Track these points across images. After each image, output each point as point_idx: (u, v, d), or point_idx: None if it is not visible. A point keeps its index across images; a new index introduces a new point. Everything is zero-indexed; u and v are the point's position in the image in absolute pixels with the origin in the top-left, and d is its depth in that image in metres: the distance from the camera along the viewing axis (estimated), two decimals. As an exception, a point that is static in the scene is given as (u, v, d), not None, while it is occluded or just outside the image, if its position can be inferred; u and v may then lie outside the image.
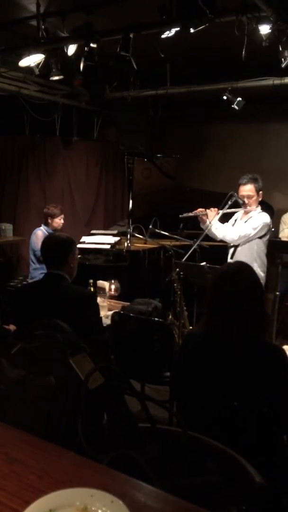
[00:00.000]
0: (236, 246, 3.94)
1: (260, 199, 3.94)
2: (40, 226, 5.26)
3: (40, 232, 5.15)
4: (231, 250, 3.98)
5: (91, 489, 0.75)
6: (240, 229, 3.86)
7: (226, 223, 4.05)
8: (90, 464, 0.86)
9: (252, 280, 1.84)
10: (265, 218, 3.86)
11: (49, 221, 5.17)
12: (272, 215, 4.09)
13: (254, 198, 3.88)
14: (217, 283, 1.83)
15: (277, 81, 4.91)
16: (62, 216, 5.25)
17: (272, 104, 5.97)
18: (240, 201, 3.87)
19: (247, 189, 3.87)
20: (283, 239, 5.26)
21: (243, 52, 3.60)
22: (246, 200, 3.87)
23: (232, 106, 5.02)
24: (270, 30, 3.51)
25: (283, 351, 1.82)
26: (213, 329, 1.81)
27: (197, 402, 1.77)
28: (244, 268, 1.90)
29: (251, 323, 1.74)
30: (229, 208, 3.86)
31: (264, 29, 3.52)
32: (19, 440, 0.92)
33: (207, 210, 3.97)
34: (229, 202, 3.82)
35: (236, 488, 1.02)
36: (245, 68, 4.46)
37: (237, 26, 3.42)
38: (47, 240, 2.72)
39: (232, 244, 3.98)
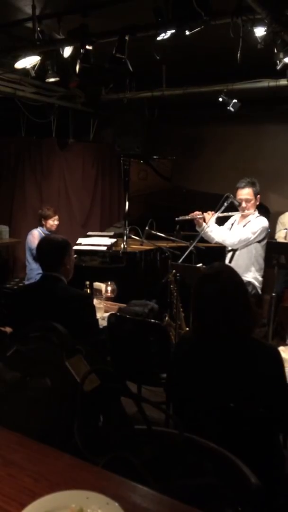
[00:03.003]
0: (234, 250, 3.91)
1: (258, 203, 3.91)
2: (37, 227, 5.30)
3: (36, 232, 5.20)
4: (229, 254, 3.96)
5: (87, 491, 0.75)
6: (240, 234, 3.84)
7: (222, 226, 4.04)
8: (86, 466, 0.86)
9: (233, 280, 1.84)
10: (264, 222, 3.84)
11: (43, 222, 5.23)
12: (268, 217, 4.08)
13: (252, 202, 3.85)
14: (199, 286, 1.85)
15: (272, 83, 4.94)
16: (56, 217, 5.27)
17: (268, 106, 5.99)
18: (236, 203, 3.87)
19: (245, 193, 3.84)
20: (279, 240, 5.27)
21: (239, 54, 3.60)
22: (244, 204, 3.85)
23: (228, 107, 5.03)
24: (265, 33, 3.53)
25: (276, 350, 1.83)
26: (201, 331, 1.83)
27: (193, 404, 1.78)
28: (224, 269, 1.93)
29: (236, 322, 1.74)
30: (225, 209, 3.84)
31: (259, 31, 3.54)
32: (14, 443, 0.92)
33: (204, 214, 3.96)
34: (225, 204, 3.80)
35: (232, 489, 1.02)
36: (240, 70, 4.48)
37: (232, 28, 3.43)
38: (42, 243, 2.71)
39: (230, 248, 3.97)
